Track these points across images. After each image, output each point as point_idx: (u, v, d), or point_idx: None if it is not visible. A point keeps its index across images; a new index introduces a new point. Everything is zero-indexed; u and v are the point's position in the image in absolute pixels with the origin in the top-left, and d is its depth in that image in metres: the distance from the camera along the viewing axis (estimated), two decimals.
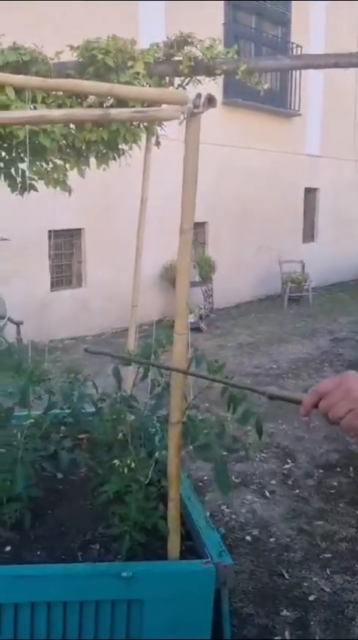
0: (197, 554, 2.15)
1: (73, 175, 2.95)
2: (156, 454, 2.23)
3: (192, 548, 2.21)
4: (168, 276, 8.64)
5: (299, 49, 10.89)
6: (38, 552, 2.16)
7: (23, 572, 1.97)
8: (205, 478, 4.05)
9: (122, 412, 2.54)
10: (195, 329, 8.65)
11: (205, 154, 7.53)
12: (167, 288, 8.73)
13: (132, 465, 2.11)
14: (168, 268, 8.68)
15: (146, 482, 2.17)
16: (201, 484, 3.97)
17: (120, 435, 2.43)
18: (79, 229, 8.41)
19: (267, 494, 3.89)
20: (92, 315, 8.44)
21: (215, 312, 9.78)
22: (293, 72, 11.24)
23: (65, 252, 8.52)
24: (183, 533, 2.14)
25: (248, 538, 3.40)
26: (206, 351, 7.56)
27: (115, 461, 2.13)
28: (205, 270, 9.27)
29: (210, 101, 1.50)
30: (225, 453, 2.08)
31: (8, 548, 2.18)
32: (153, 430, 2.50)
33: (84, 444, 2.88)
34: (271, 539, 3.38)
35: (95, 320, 8.45)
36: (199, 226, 10.07)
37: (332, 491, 3.88)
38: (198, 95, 1.47)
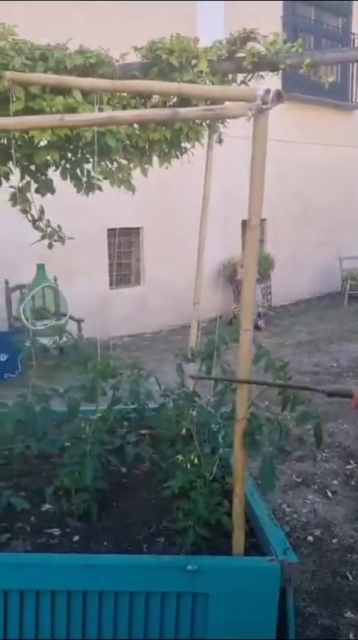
0: (261, 551, 2.15)
1: (133, 174, 2.99)
2: (220, 450, 2.24)
3: (255, 545, 2.21)
4: (226, 274, 8.62)
5: None
6: (105, 543, 2.22)
7: (92, 562, 2.03)
8: None
9: (185, 408, 2.57)
10: (254, 327, 8.58)
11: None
12: (224, 286, 8.71)
13: (196, 460, 2.13)
14: (226, 265, 8.65)
15: (210, 478, 2.19)
16: (260, 482, 3.95)
17: (183, 431, 2.46)
18: (138, 228, 8.52)
19: (329, 494, 3.83)
20: (150, 313, 8.53)
21: (273, 309, 9.68)
22: (354, 64, 10.95)
23: (124, 251, 8.65)
24: (246, 530, 2.14)
25: (310, 538, 3.36)
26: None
27: (179, 456, 2.15)
28: (264, 267, 9.18)
29: (279, 97, 1.49)
30: (276, 452, 2.05)
31: (76, 538, 2.25)
32: (217, 427, 2.52)
33: (146, 439, 2.93)
34: (334, 540, 3.33)
35: (153, 317, 8.54)
36: None
37: None
38: (267, 91, 1.47)
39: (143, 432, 3.00)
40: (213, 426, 2.58)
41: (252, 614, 1.98)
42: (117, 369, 2.57)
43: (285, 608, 1.99)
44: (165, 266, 8.48)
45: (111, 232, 8.22)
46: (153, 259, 8.64)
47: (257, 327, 8.55)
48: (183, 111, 1.58)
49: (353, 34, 10.84)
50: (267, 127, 1.55)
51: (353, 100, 11.14)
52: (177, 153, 2.99)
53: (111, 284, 8.36)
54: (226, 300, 8.70)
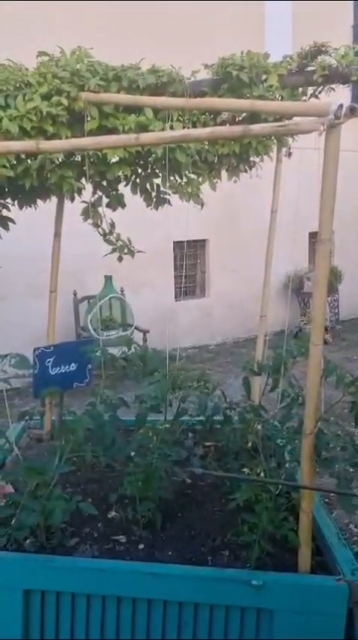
0: (328, 570, 2.11)
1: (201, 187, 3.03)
2: (287, 465, 2.22)
3: (322, 563, 2.17)
4: (292, 286, 8.51)
5: None
6: (169, 552, 2.24)
7: (157, 570, 2.06)
8: (332, 495, 3.93)
9: (251, 421, 2.57)
10: None
11: None
12: (290, 298, 8.60)
13: (262, 474, 2.12)
14: (292, 278, 8.55)
15: (276, 492, 2.17)
16: (327, 500, 3.86)
17: (249, 444, 2.45)
18: (203, 240, 8.58)
19: None
20: (215, 325, 8.55)
21: (341, 323, 9.45)
22: None
23: (189, 263, 8.72)
24: (313, 547, 2.11)
25: None
26: None
27: (245, 469, 2.15)
28: (331, 280, 9.00)
29: (353, 111, 1.49)
30: (352, 469, 2.01)
31: (141, 546, 2.28)
32: (283, 441, 2.49)
33: (212, 452, 2.94)
34: None
35: (217, 329, 8.55)
36: None
37: None
38: (340, 106, 1.47)
39: (208, 444, 3.01)
40: (279, 440, 2.56)
41: (317, 634, 1.94)
42: (184, 381, 2.60)
43: (353, 630, 1.94)
44: (230, 278, 8.48)
45: (177, 244, 8.31)
46: (218, 271, 8.67)
47: (324, 342, 8.38)
48: (256, 127, 1.60)
49: None
50: (339, 142, 1.54)
51: None
52: (246, 167, 3.01)
53: (176, 296, 8.45)
54: (292, 313, 8.59)
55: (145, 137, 1.86)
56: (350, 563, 2.03)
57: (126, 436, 2.80)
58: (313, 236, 9.59)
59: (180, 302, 8.46)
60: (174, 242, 8.21)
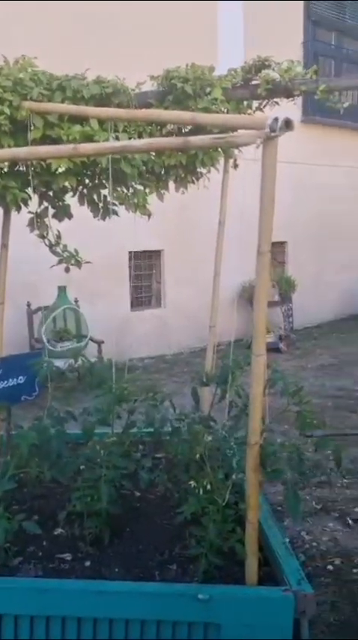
0: (275, 580, 2.10)
1: (152, 198, 3.03)
2: (234, 476, 2.22)
3: (269, 574, 2.17)
4: (247, 296, 8.61)
5: None
6: (116, 569, 2.20)
7: (102, 588, 2.01)
8: (284, 502, 3.96)
9: (200, 432, 2.55)
10: (275, 349, 8.53)
11: (284, 172, 7.42)
12: (246, 308, 8.69)
13: (209, 486, 2.10)
14: (247, 288, 8.65)
15: (223, 504, 2.16)
16: (279, 509, 3.88)
17: (197, 456, 2.43)
18: (159, 251, 8.59)
19: (350, 522, 3.73)
20: (171, 335, 8.55)
21: (295, 332, 9.60)
22: None
23: (144, 273, 8.72)
24: (260, 558, 2.10)
25: (329, 567, 3.27)
26: (285, 373, 7.43)
27: (191, 482, 2.13)
28: (285, 289, 9.15)
29: (288, 124, 1.51)
30: (299, 478, 2.02)
31: (88, 564, 2.23)
32: (231, 452, 2.49)
33: (162, 463, 2.91)
34: (354, 570, 3.24)
35: (174, 339, 8.55)
36: (278, 246, 9.98)
37: None
38: (275, 119, 1.48)
39: (158, 455, 2.99)
40: (228, 450, 2.56)
41: None
42: (132, 393, 2.57)
43: None
44: (186, 288, 8.51)
45: (132, 255, 8.31)
46: (174, 281, 8.69)
47: (278, 350, 8.49)
48: (194, 139, 1.61)
49: None
50: (275, 154, 1.56)
51: None
52: (193, 178, 3.02)
53: (132, 306, 8.42)
54: (247, 322, 8.67)
55: (84, 147, 1.84)
56: (297, 573, 2.03)
57: (75, 450, 2.75)
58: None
59: (136, 312, 8.44)
60: (129, 252, 8.19)
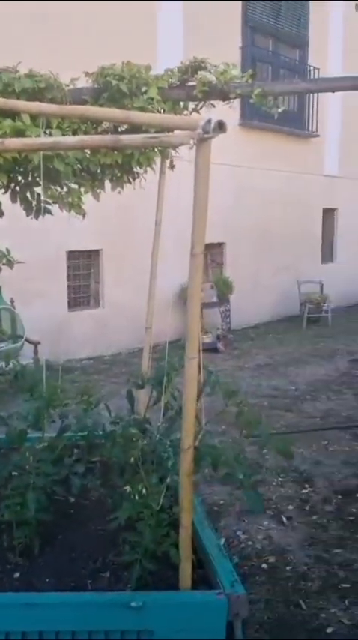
0: (209, 583, 2.10)
1: (90, 197, 2.98)
2: (168, 479, 2.20)
3: (204, 576, 2.16)
4: (186, 296, 8.63)
5: (316, 71, 10.96)
6: (47, 579, 2.13)
7: (32, 600, 1.94)
8: (221, 502, 3.99)
9: (134, 436, 2.52)
10: (213, 350, 8.61)
11: (223, 175, 7.60)
12: (184, 308, 8.72)
13: (143, 491, 2.07)
14: (185, 288, 8.66)
15: (157, 508, 2.13)
16: (216, 509, 3.91)
17: (132, 460, 2.40)
18: (97, 250, 8.49)
19: (284, 520, 3.80)
20: (110, 335, 8.46)
21: (233, 332, 9.73)
22: (311, 94, 11.30)
23: (83, 273, 8.59)
24: (194, 561, 2.09)
25: (264, 566, 3.32)
26: (223, 372, 7.51)
27: (126, 487, 2.10)
28: (223, 290, 9.26)
29: (221, 126, 1.50)
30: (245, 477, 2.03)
31: (17, 575, 2.15)
32: (166, 455, 2.47)
33: (97, 468, 2.86)
34: (288, 568, 3.30)
35: (113, 340, 8.47)
36: (217, 247, 10.08)
37: (352, 518, 3.78)
38: (208, 121, 1.47)
39: (94, 459, 2.93)
40: (163, 453, 2.54)
41: None
42: (63, 397, 2.50)
43: None
44: (125, 288, 8.45)
45: (71, 254, 8.17)
46: (113, 281, 8.61)
47: (216, 350, 8.58)
48: (126, 138, 1.58)
49: (310, 66, 11.19)
50: (209, 156, 1.55)
51: (310, 128, 11.46)
52: (130, 178, 2.99)
53: (69, 306, 8.28)
54: (185, 323, 8.70)
55: (11, 142, 1.77)
56: (230, 575, 2.03)
57: (7, 456, 2.65)
58: (205, 247, 9.82)
59: (74, 313, 8.30)
60: (67, 252, 8.06)
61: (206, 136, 1.48)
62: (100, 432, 2.81)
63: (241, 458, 1.97)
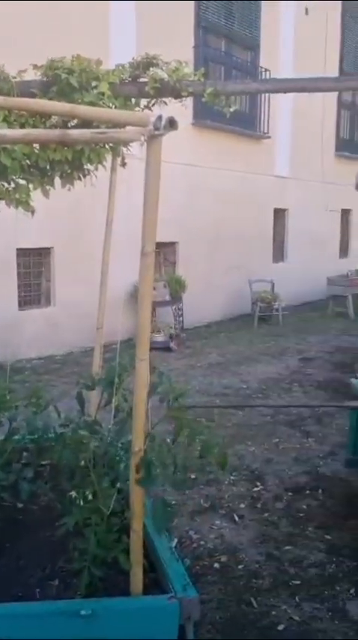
0: (161, 587, 2.07)
1: (41, 194, 2.89)
2: (118, 484, 2.15)
3: (156, 580, 2.14)
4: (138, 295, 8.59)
5: (267, 72, 11.09)
6: None
7: None
8: (173, 502, 3.97)
9: (84, 438, 2.46)
10: (165, 349, 8.60)
11: (176, 174, 7.57)
12: (135, 308, 8.67)
13: (90, 496, 2.02)
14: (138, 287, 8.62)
15: (108, 513, 2.09)
16: (169, 509, 3.88)
17: (82, 463, 2.34)
18: (49, 248, 8.32)
19: (236, 518, 3.82)
20: (61, 335, 8.31)
21: (185, 331, 9.74)
22: (262, 95, 11.42)
23: (34, 271, 8.40)
24: (146, 565, 2.06)
25: (216, 565, 3.32)
26: (176, 371, 7.51)
27: (72, 492, 2.04)
28: (176, 289, 9.25)
29: (172, 123, 1.47)
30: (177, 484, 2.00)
31: None
32: (117, 457, 2.43)
33: (47, 471, 2.78)
34: (240, 566, 3.31)
35: (64, 339, 8.32)
36: (170, 246, 10.07)
37: (301, 515, 3.84)
38: (159, 117, 1.44)
39: (44, 462, 2.85)
40: (115, 456, 2.49)
41: None
42: (11, 400, 2.42)
43: None
44: (77, 286, 8.30)
45: (21, 252, 7.97)
46: (65, 280, 8.45)
47: (168, 349, 8.56)
48: (74, 132, 1.53)
49: (261, 67, 11.32)
50: (160, 153, 1.52)
51: (261, 129, 11.59)
52: (80, 174, 2.92)
53: (19, 305, 8.08)
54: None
55: None
56: (182, 579, 2.01)
57: None
58: (158, 246, 9.80)
59: (24, 311, 8.11)
60: (17, 249, 7.86)
61: (156, 133, 1.45)
62: (50, 435, 2.74)
63: (173, 464, 1.94)
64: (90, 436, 2.42)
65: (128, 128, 1.86)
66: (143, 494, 1.89)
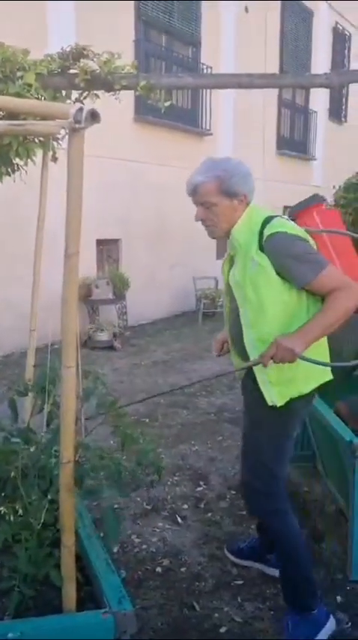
0: (96, 601, 1.99)
1: None
2: (49, 495, 2.05)
3: (92, 594, 2.05)
4: (81, 293, 8.41)
5: (209, 69, 11.09)
6: None
7: None
8: (115, 506, 3.88)
9: (16, 446, 2.34)
10: (109, 347, 8.47)
11: (117, 170, 7.42)
12: (78, 306, 8.49)
13: (20, 511, 1.91)
14: (81, 285, 8.45)
15: (39, 527, 1.99)
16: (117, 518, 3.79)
17: (12, 474, 2.23)
18: None
19: (179, 519, 3.77)
20: (1, 335, 8.04)
21: (129, 329, 9.64)
22: (204, 92, 11.43)
23: None
24: (79, 579, 1.97)
25: (158, 569, 3.26)
26: (119, 371, 7.40)
27: (1, 508, 1.92)
28: (119, 287, 9.12)
29: (94, 116, 1.38)
30: (119, 493, 1.93)
31: None
32: (50, 465, 2.32)
33: None
34: (182, 569, 3.26)
35: (4, 339, 8.05)
36: (112, 243, 9.92)
37: (243, 513, 3.82)
38: (80, 109, 1.35)
39: None
40: (48, 465, 2.38)
41: None
42: None
43: None
44: (17, 285, 8.04)
45: None
46: (3, 279, 8.17)
47: (112, 348, 8.44)
48: None
49: (203, 64, 11.30)
50: (82, 148, 1.43)
51: (204, 126, 11.59)
52: (9, 170, 2.77)
53: None
54: (82, 321, 8.48)
55: None
56: (117, 591, 1.93)
57: None
58: (100, 243, 9.63)
59: None
60: None
61: (77, 126, 1.35)
62: None
63: (116, 473, 1.87)
64: (22, 445, 2.31)
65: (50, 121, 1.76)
66: (73, 507, 1.80)
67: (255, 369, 2.44)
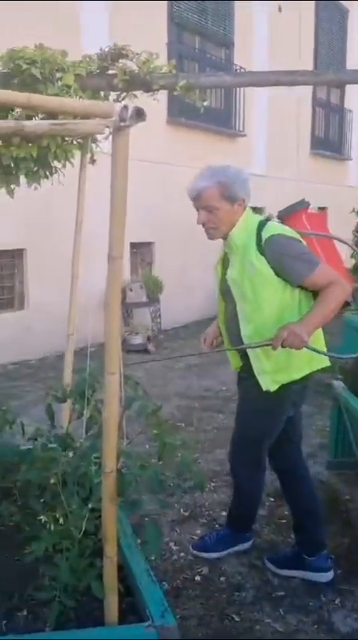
0: (138, 613, 1.94)
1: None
2: (91, 503, 2.01)
3: (134, 605, 2.00)
4: None
5: (242, 70, 11.00)
6: None
7: None
8: (152, 513, 3.82)
9: (55, 453, 2.31)
10: (143, 351, 8.45)
11: (150, 172, 7.39)
12: None
13: (61, 520, 1.87)
14: None
15: (79, 535, 1.94)
16: (147, 520, 3.74)
17: (52, 481, 2.19)
18: (21, 250, 8.10)
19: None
20: (35, 339, 8.10)
21: (163, 332, 9.60)
22: (238, 93, 11.35)
23: (6, 274, 8.18)
24: (121, 590, 1.92)
25: (197, 578, 3.19)
26: (153, 374, 7.36)
27: (42, 516, 1.89)
28: (152, 290, 9.10)
29: (139, 114, 1.33)
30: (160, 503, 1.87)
31: None
32: (91, 473, 2.28)
33: (15, 489, 2.62)
34: (221, 578, 3.19)
35: (39, 343, 8.11)
36: (145, 246, 9.92)
37: (283, 521, 3.73)
38: (125, 107, 1.30)
39: (17, 479, 2.69)
40: (89, 472, 2.34)
41: None
42: None
43: None
44: (51, 289, 8.10)
45: None
46: (38, 282, 8.24)
47: (146, 351, 8.42)
48: (30, 124, 1.38)
49: (236, 65, 11.22)
50: (127, 147, 1.38)
51: (236, 127, 11.50)
52: (47, 172, 2.76)
53: None
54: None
55: None
56: (160, 604, 1.88)
57: None
58: (135, 246, 9.63)
59: None
60: None
61: (122, 124, 1.31)
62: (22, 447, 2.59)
63: (156, 483, 1.81)
64: (61, 452, 2.27)
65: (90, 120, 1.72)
66: (116, 518, 1.75)
67: (252, 358, 2.72)
